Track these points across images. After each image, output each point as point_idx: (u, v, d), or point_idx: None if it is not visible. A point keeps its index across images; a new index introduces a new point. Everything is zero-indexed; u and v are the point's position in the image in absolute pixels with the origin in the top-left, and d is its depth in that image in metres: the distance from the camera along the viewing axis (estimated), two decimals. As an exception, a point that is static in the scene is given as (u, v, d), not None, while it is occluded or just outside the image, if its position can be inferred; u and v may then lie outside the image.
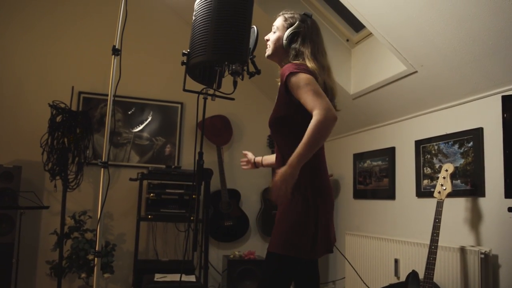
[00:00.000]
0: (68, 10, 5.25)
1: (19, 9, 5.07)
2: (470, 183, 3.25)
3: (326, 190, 2.27)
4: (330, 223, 2.29)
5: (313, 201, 2.18)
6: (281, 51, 2.39)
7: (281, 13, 2.46)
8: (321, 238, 2.20)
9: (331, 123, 2.02)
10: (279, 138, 2.33)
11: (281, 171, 2.02)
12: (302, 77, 2.14)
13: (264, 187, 5.64)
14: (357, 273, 4.24)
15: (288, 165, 2.02)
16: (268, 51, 2.44)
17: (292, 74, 2.17)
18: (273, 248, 2.19)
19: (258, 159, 2.84)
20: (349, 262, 4.39)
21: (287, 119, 2.24)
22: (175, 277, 4.14)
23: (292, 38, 2.34)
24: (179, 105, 5.52)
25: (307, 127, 2.04)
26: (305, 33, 2.36)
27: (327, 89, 2.27)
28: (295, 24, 2.35)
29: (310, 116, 2.05)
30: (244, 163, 2.91)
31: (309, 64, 2.25)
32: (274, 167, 2.46)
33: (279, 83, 2.36)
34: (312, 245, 2.16)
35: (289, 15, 2.41)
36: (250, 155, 2.89)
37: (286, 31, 2.36)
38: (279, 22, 2.42)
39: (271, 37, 2.43)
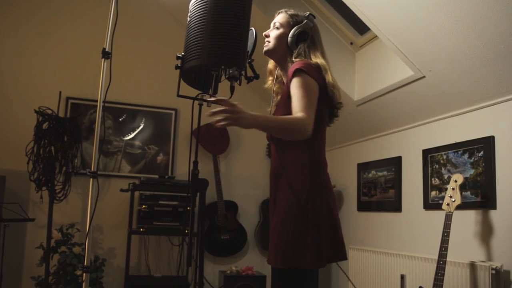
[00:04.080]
0: (56, 11, 5.26)
1: (3, 11, 5.07)
2: (481, 195, 3.25)
3: (326, 188, 2.26)
4: (337, 224, 2.27)
5: (312, 202, 2.17)
6: (283, 48, 2.40)
7: (281, 10, 2.48)
8: (327, 242, 2.18)
9: (301, 135, 2.09)
10: (279, 139, 2.31)
11: (248, 115, 1.99)
12: (308, 80, 2.19)
13: (263, 199, 5.63)
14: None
15: (253, 117, 2.00)
16: (269, 46, 2.43)
17: (301, 71, 2.20)
18: (274, 263, 2.18)
19: None
20: (353, 284, 4.37)
21: None
22: (168, 294, 4.13)
23: (299, 36, 2.36)
24: (173, 112, 5.52)
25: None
26: (313, 33, 2.41)
27: (335, 86, 2.32)
28: (303, 23, 2.38)
29: (315, 121, 2.14)
30: None
31: (318, 60, 2.31)
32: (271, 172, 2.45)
33: (275, 81, 2.38)
34: (317, 252, 2.13)
35: (293, 13, 2.44)
36: None
37: (292, 29, 2.38)
38: (282, 18, 2.43)
39: (273, 33, 2.43)
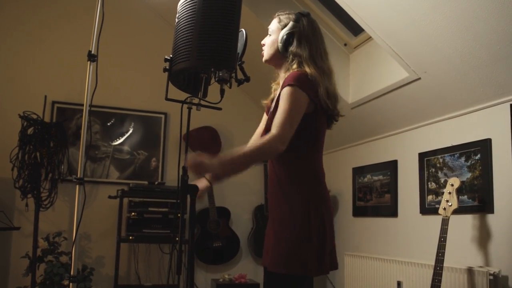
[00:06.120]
0: (41, 15, 5.24)
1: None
2: (478, 199, 3.25)
3: (328, 197, 2.32)
4: (333, 232, 2.32)
5: (317, 210, 2.21)
6: (277, 55, 2.40)
7: (276, 14, 2.48)
8: (328, 251, 2.23)
9: (271, 155, 2.22)
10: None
11: (213, 161, 2.07)
12: (296, 94, 2.18)
13: (256, 204, 5.62)
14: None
15: (219, 162, 2.08)
16: (264, 54, 2.46)
17: (291, 86, 2.19)
18: (274, 267, 2.19)
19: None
20: None
21: None
22: (159, 303, 4.11)
23: (287, 40, 2.34)
24: (163, 116, 5.51)
25: (305, 140, 2.21)
26: (300, 34, 2.36)
27: (330, 95, 2.31)
28: (289, 25, 2.36)
29: (308, 129, 2.21)
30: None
31: (308, 69, 2.27)
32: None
33: (278, 89, 2.37)
34: (319, 260, 2.17)
35: (284, 16, 2.43)
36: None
37: (280, 33, 2.38)
38: (273, 24, 2.44)
39: (267, 41, 2.45)
